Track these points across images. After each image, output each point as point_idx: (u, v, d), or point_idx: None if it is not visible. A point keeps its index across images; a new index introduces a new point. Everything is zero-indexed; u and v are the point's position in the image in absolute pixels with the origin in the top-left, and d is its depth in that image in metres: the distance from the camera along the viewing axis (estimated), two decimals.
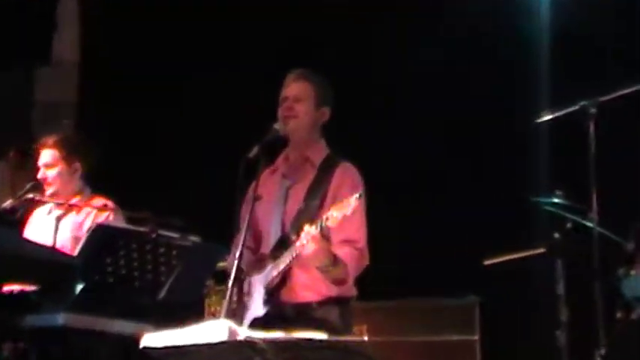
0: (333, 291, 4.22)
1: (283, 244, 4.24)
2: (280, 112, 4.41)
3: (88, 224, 4.96)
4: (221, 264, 4.51)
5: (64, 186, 5.12)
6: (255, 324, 4.17)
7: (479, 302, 5.94)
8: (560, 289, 4.99)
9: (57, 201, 5.09)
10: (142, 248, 4.24)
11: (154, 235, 4.23)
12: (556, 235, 5.02)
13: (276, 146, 4.43)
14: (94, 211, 5.01)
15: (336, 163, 4.38)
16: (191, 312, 4.34)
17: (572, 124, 4.80)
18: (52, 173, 5.11)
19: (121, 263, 4.24)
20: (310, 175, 4.37)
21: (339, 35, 6.71)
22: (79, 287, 4.25)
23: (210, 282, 5.12)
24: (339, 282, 4.19)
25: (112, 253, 4.23)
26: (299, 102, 4.39)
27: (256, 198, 4.20)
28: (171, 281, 4.30)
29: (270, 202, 4.37)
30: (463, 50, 6.39)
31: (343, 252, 4.16)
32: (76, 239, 4.88)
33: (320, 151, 4.44)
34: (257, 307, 4.24)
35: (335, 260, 4.10)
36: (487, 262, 5.38)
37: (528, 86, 6.19)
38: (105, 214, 4.99)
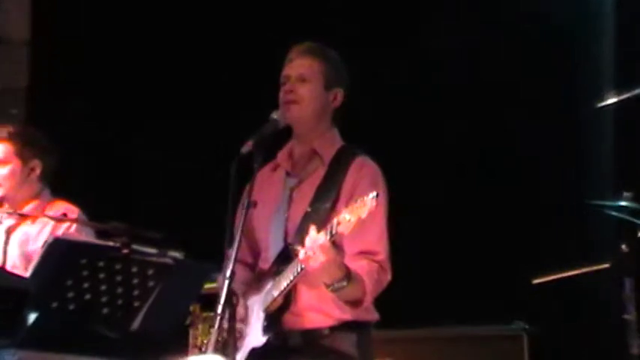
0: (347, 314, 4.23)
1: (286, 257, 4.25)
2: (281, 96, 4.43)
3: (43, 237, 4.98)
4: (209, 285, 4.52)
5: (18, 188, 5.16)
6: (253, 357, 4.22)
7: (527, 330, 5.95)
8: (630, 314, 4.99)
9: (5, 210, 5.11)
10: (110, 267, 4.23)
11: (125, 251, 4.22)
12: (624, 247, 5.03)
13: (276, 139, 4.43)
14: (52, 222, 5.03)
15: (351, 157, 4.38)
16: (172, 345, 4.35)
17: None
18: (2, 172, 5.13)
19: (84, 286, 4.23)
20: (319, 173, 4.38)
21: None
22: (33, 317, 4.25)
23: (195, 308, 5.13)
24: (354, 303, 4.19)
25: (74, 274, 4.22)
26: (304, 83, 4.40)
27: (252, 203, 4.19)
28: (147, 308, 4.30)
29: (270, 206, 4.39)
30: (508, 24, 6.42)
31: (359, 265, 4.17)
32: (29, 256, 4.90)
33: (331, 144, 4.44)
34: (255, 336, 4.27)
35: (349, 275, 4.09)
36: (537, 281, 5.39)
37: (589, 62, 6.21)
38: (65, 224, 5.01)
